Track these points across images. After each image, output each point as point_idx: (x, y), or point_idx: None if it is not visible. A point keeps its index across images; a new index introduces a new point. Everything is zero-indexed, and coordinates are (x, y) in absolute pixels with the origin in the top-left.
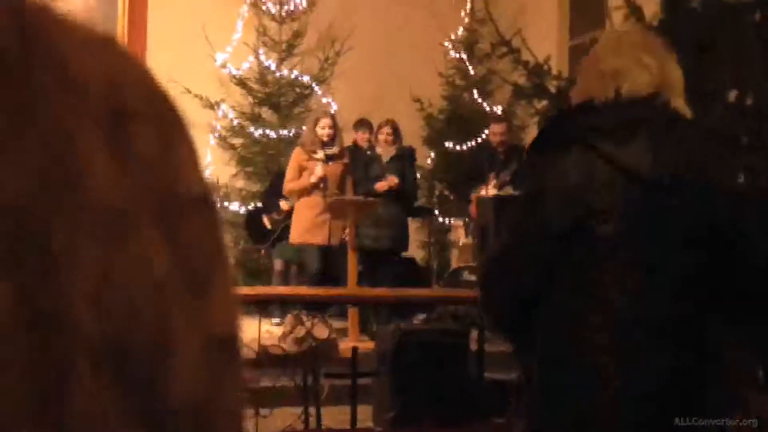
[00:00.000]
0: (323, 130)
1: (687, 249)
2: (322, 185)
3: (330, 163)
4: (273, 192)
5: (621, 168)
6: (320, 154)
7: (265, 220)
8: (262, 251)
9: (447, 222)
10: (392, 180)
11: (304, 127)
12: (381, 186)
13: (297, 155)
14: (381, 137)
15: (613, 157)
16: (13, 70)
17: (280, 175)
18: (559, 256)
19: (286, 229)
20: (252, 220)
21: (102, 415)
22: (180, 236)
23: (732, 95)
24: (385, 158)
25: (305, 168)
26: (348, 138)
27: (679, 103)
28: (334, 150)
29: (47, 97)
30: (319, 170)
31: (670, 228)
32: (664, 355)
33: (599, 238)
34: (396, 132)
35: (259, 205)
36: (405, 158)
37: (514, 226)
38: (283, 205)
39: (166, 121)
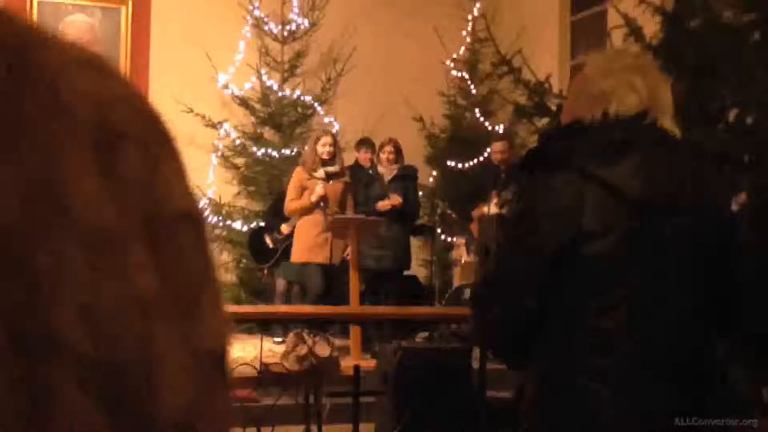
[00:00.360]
0: (323, 148)
1: (679, 271)
2: (322, 204)
3: (330, 182)
4: (275, 212)
5: (610, 189)
6: (320, 173)
7: (267, 240)
8: (265, 270)
9: (449, 240)
10: (395, 199)
11: (306, 147)
12: (383, 205)
13: (298, 174)
14: (383, 156)
15: (601, 179)
16: (1, 91)
17: (282, 195)
18: (551, 278)
19: (289, 249)
20: (254, 239)
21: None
22: (167, 254)
23: (733, 114)
24: (388, 177)
25: (306, 187)
26: (351, 157)
27: (668, 123)
28: (334, 168)
29: (35, 118)
30: (319, 189)
31: (661, 249)
32: (659, 380)
33: (590, 260)
34: (398, 151)
35: (262, 224)
36: (407, 177)
37: (507, 249)
38: (284, 228)
39: (153, 141)
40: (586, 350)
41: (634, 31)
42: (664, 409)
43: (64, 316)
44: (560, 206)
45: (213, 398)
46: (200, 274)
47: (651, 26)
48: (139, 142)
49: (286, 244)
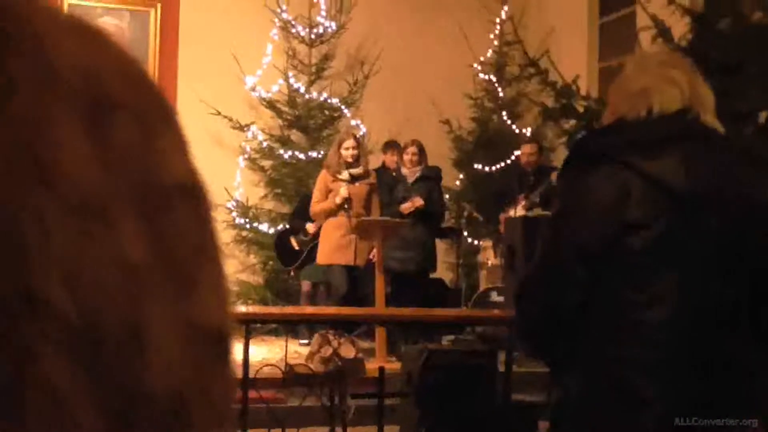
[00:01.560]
0: (347, 151)
1: (722, 267)
2: (347, 206)
3: (356, 184)
4: (299, 214)
5: (654, 182)
6: (345, 175)
7: (293, 242)
8: (291, 272)
9: (476, 243)
10: (417, 201)
11: (330, 150)
12: (406, 208)
13: (323, 177)
14: (406, 158)
15: (646, 172)
16: None
17: (306, 198)
18: (596, 271)
19: (314, 250)
20: (280, 242)
21: (68, 404)
22: (161, 226)
23: (763, 116)
24: (411, 179)
25: (331, 189)
26: (378, 160)
27: (710, 118)
28: (358, 170)
29: (23, 83)
30: (343, 191)
31: (705, 244)
32: (701, 375)
33: (634, 253)
34: (421, 152)
35: (287, 226)
36: (430, 178)
37: (549, 245)
38: (309, 227)
39: (150, 112)
40: (632, 344)
41: (663, 32)
42: (708, 406)
43: (48, 280)
44: (605, 199)
45: (209, 377)
46: (198, 248)
47: (680, 27)
48: (134, 111)
49: (311, 245)
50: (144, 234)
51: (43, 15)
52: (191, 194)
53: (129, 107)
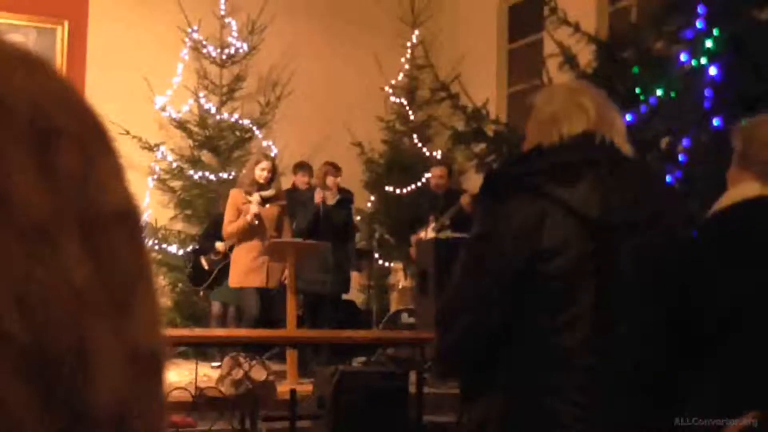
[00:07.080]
0: (261, 172)
1: (638, 290)
2: (257, 222)
3: (266, 206)
4: (210, 235)
5: (568, 209)
6: (256, 197)
7: (203, 262)
8: (201, 293)
9: (387, 265)
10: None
11: (245, 168)
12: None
13: (234, 196)
14: (329, 182)
15: (560, 199)
16: None
17: (218, 217)
18: (512, 297)
19: (224, 270)
20: (192, 261)
21: (18, 422)
22: (102, 249)
23: (664, 143)
24: (330, 201)
25: (242, 211)
26: (288, 181)
27: (619, 140)
28: (269, 192)
29: None
30: (253, 208)
31: (619, 269)
32: (622, 397)
33: (548, 278)
34: (336, 168)
35: (197, 247)
36: (348, 201)
37: (466, 270)
38: (219, 246)
39: (89, 138)
40: (549, 368)
41: (569, 59)
42: (630, 425)
43: (2, 303)
44: (520, 226)
45: (146, 394)
46: (134, 272)
47: (585, 55)
48: (75, 138)
49: (222, 264)
50: (86, 258)
51: None
52: (128, 219)
53: (72, 135)
